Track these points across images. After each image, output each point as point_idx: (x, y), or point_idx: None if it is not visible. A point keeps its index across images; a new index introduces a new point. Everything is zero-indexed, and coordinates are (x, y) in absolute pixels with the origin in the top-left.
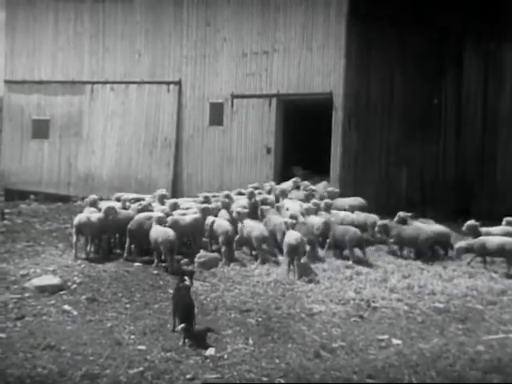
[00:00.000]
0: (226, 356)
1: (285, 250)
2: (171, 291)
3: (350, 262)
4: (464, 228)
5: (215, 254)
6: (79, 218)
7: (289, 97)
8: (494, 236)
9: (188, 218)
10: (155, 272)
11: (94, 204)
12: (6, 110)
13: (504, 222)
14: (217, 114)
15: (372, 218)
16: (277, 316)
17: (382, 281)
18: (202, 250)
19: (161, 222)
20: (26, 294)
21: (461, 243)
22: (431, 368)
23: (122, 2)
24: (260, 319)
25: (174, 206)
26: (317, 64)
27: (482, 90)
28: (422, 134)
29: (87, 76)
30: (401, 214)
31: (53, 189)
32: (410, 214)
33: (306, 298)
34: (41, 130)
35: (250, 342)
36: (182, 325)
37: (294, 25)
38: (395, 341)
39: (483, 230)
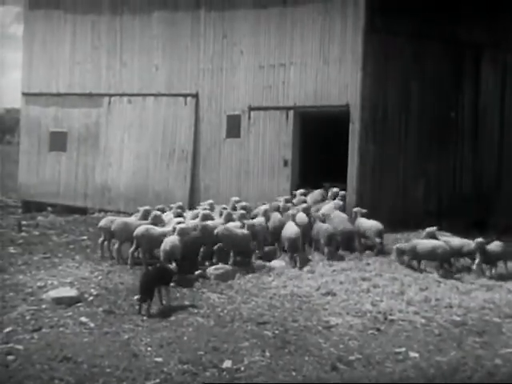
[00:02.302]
0: (242, 368)
1: (286, 244)
2: (188, 303)
3: (367, 275)
4: (424, 234)
5: (232, 267)
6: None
7: (306, 109)
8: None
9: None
10: (172, 284)
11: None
12: (23, 123)
13: (424, 233)
14: (234, 127)
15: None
16: (293, 328)
17: (399, 293)
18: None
19: (181, 234)
20: (43, 306)
21: (400, 245)
22: (448, 381)
23: (139, 15)
24: (277, 331)
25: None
26: (333, 76)
27: (499, 102)
28: (439, 145)
29: (104, 88)
30: (299, 197)
31: (70, 201)
32: None
33: (322, 310)
34: (58, 142)
35: (267, 354)
36: (137, 296)
37: (310, 38)
38: (412, 354)
39: (443, 238)
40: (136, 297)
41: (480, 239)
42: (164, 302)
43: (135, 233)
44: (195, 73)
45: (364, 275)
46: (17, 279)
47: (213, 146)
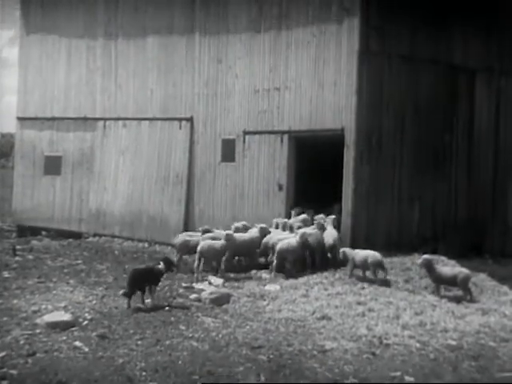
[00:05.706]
0: None
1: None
2: (183, 327)
3: (362, 299)
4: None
5: (227, 290)
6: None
7: (301, 133)
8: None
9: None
10: (167, 308)
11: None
12: (18, 147)
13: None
14: (229, 151)
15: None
16: (288, 353)
17: (394, 318)
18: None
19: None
20: (37, 331)
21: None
22: None
23: (134, 39)
24: (272, 356)
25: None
26: (328, 100)
27: (494, 126)
28: (434, 170)
29: (99, 112)
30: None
31: (64, 225)
32: None
33: (317, 334)
34: (53, 166)
35: (262, 378)
36: (122, 291)
37: (305, 62)
38: (408, 378)
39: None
40: (121, 291)
41: (426, 256)
42: (148, 301)
43: None
44: (190, 97)
45: (359, 299)
46: (11, 303)
47: (208, 170)
